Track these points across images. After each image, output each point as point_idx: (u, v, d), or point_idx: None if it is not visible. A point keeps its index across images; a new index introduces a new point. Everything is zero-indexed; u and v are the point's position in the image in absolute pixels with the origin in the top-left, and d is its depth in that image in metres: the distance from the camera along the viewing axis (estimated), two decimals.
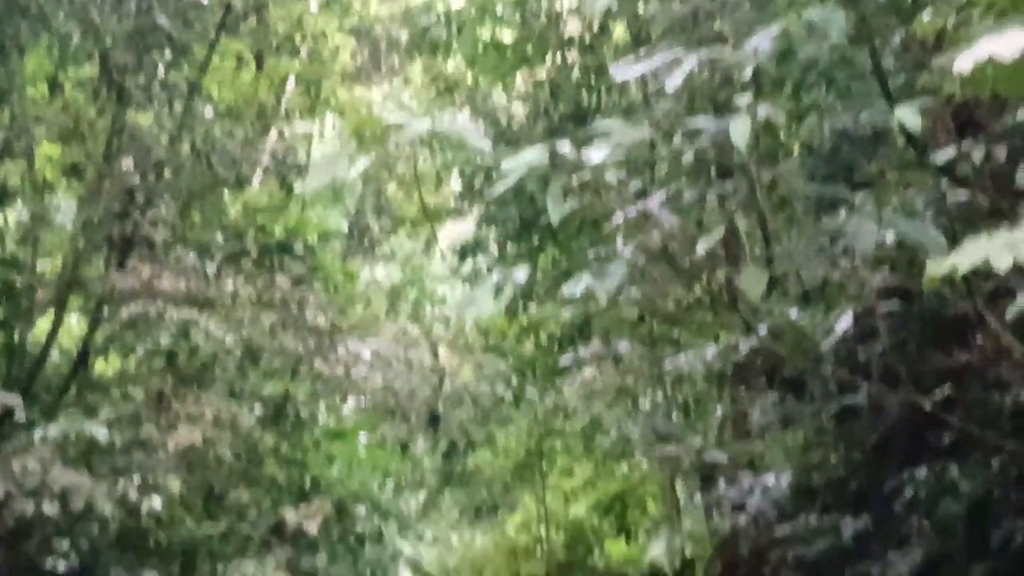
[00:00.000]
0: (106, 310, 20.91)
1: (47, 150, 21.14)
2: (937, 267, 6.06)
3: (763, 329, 10.71)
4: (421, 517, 29.97)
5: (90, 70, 21.49)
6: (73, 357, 21.41)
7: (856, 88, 8.93)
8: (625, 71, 8.94)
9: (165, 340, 20.17)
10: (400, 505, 28.61)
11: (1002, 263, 5.81)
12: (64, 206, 21.05)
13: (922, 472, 12.23)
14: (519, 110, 22.79)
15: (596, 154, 8.06)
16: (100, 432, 18.07)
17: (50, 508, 17.24)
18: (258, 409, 22.87)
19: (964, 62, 5.73)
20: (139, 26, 19.96)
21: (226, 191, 23.31)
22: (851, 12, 8.03)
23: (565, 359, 16.89)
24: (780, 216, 14.61)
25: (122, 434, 18.86)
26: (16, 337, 20.74)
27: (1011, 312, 8.63)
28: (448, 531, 29.41)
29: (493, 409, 25.81)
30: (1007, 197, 9.45)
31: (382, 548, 26.67)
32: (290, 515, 21.24)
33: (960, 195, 9.48)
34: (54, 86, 21.75)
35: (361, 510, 25.94)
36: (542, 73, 21.74)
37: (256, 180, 24.67)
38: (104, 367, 22.50)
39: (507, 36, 21.54)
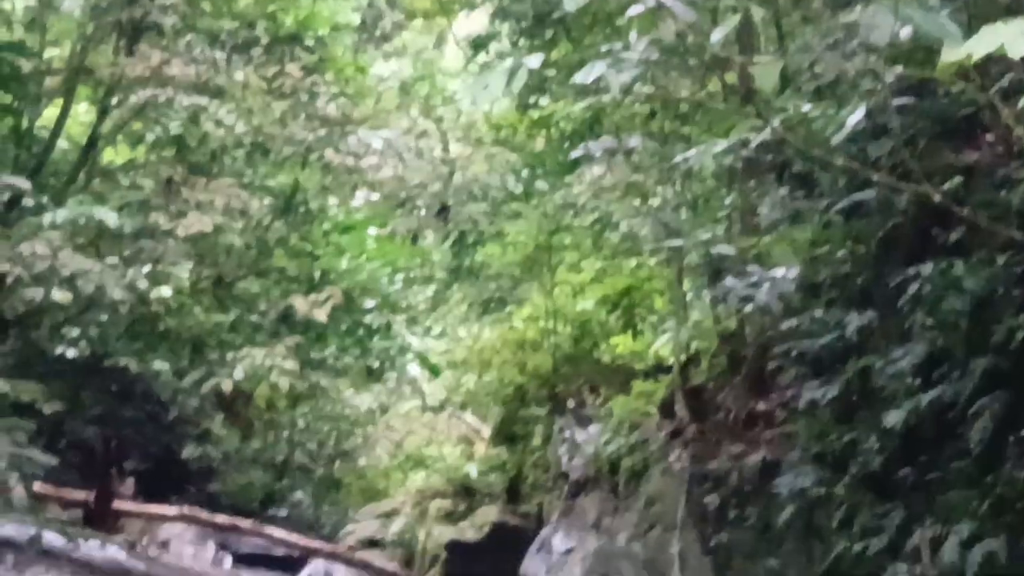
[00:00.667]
0: (115, 98, 20.82)
1: None
2: (952, 53, 6.00)
3: (775, 123, 10.65)
4: (430, 310, 30.23)
5: None
6: (82, 145, 21.38)
7: None
8: None
9: (174, 127, 20.12)
10: (409, 298, 28.82)
11: (1017, 50, 5.75)
12: None
13: (927, 268, 12.25)
14: None
15: None
16: (109, 217, 18.09)
17: (59, 294, 17.31)
18: (268, 199, 22.90)
19: None
20: None
21: None
22: None
23: (575, 153, 16.83)
24: (795, 10, 14.49)
25: (131, 221, 18.89)
26: (24, 123, 20.67)
27: None
28: (456, 324, 29.68)
29: (503, 203, 25.84)
30: None
31: (390, 340, 26.91)
32: (299, 303, 21.38)
33: None
34: None
35: (370, 302, 26.11)
36: None
37: None
38: (113, 155, 22.49)
39: None
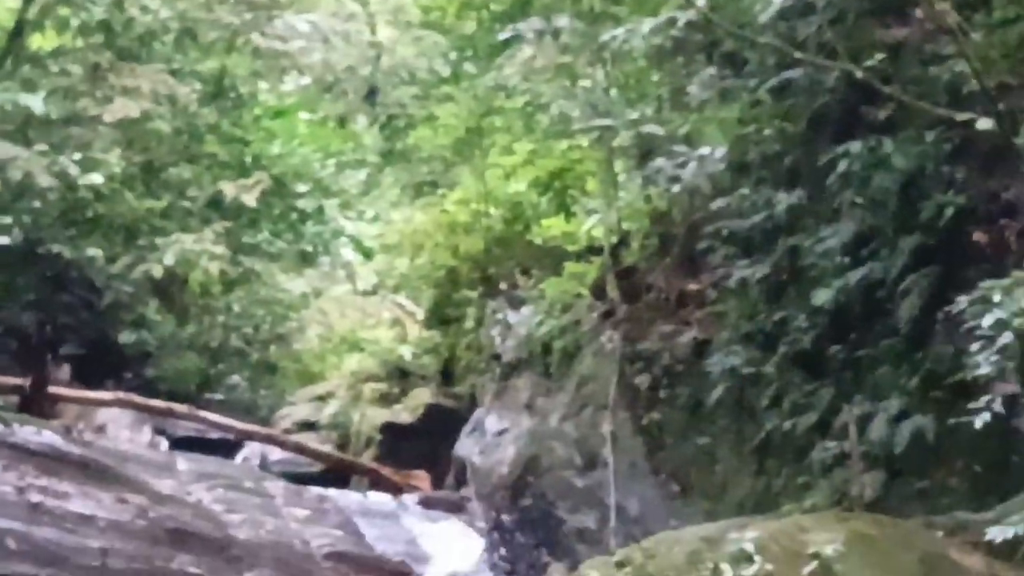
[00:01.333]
0: None
1: None
2: None
3: (701, 2, 10.63)
4: (362, 194, 30.11)
5: None
6: (8, 31, 21.02)
7: None
8: None
9: (99, 12, 19.82)
10: (341, 183, 28.68)
11: None
12: None
13: (856, 146, 12.32)
14: None
15: None
16: (36, 104, 17.87)
17: None
18: (197, 85, 22.67)
19: None
20: None
21: None
22: None
23: (505, 34, 16.75)
24: None
25: (59, 107, 18.68)
26: None
27: None
28: (389, 208, 29.60)
29: (432, 86, 25.71)
30: None
31: (323, 224, 26.83)
32: (229, 188, 21.27)
33: None
34: None
35: (302, 187, 26.00)
36: None
37: None
38: (41, 41, 22.14)
39: None
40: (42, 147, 18.54)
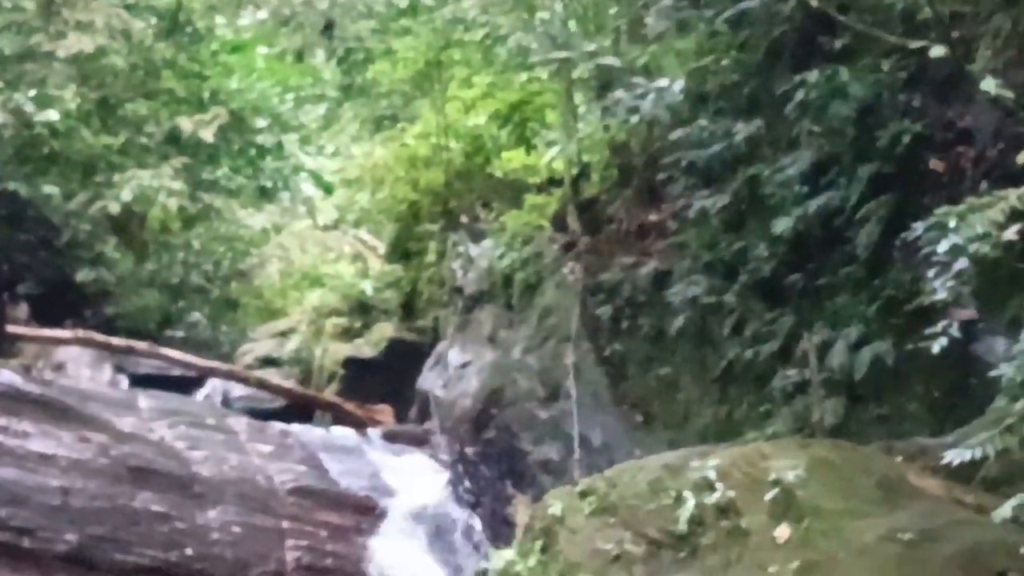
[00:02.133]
0: None
1: None
2: None
3: None
4: (322, 129, 30.00)
5: None
6: None
7: None
8: None
9: None
10: (300, 117, 28.57)
11: None
12: None
13: (813, 75, 12.31)
14: None
15: None
16: None
17: None
18: (153, 20, 22.50)
19: None
20: None
21: None
22: None
23: None
24: None
25: (12, 43, 18.50)
26: None
27: None
28: (349, 143, 29.49)
29: (390, 19, 25.55)
30: None
31: (283, 160, 26.76)
32: (186, 124, 21.15)
33: None
34: None
35: (261, 122, 25.89)
36: None
37: None
38: None
39: None
40: None
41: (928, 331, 9.30)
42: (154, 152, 22.24)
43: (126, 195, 19.81)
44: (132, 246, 25.29)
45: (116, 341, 22.08)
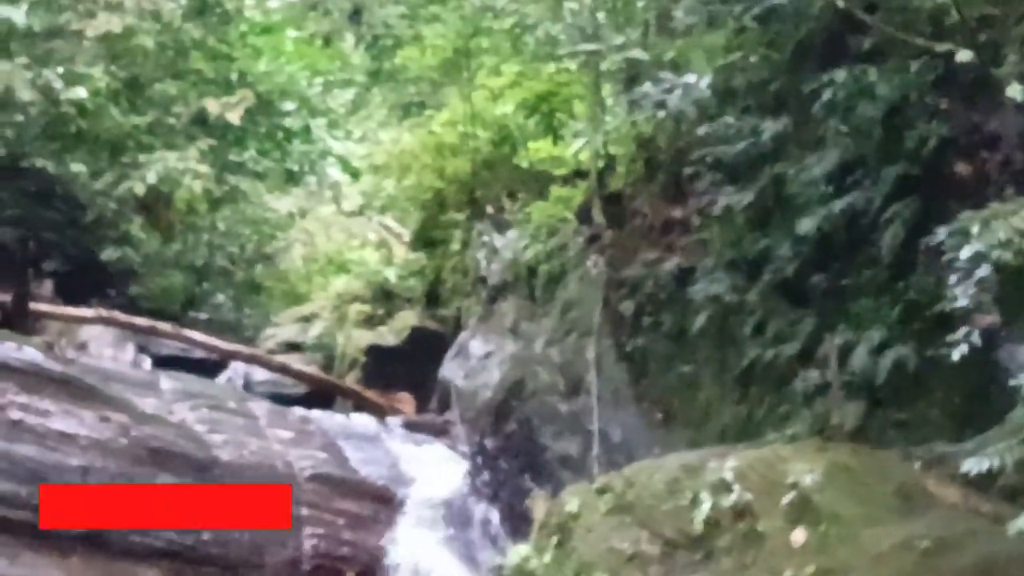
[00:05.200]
0: None
1: None
2: None
3: None
4: (349, 114, 30.00)
5: None
6: None
7: None
8: None
9: None
10: (328, 101, 28.56)
11: None
12: None
13: (841, 75, 12.23)
14: None
15: None
16: (18, 16, 17.73)
17: None
18: (182, 0, 22.51)
19: None
20: None
21: None
22: None
23: None
24: None
25: (41, 20, 18.52)
26: None
27: None
28: (377, 128, 29.49)
29: (420, 5, 25.51)
30: None
31: (310, 144, 26.76)
32: (213, 105, 21.15)
33: None
34: None
35: (289, 105, 25.89)
36: None
37: None
38: None
39: None
40: (24, 60, 18.41)
41: (949, 338, 9.25)
42: (181, 133, 22.25)
43: (152, 176, 19.83)
44: (158, 226, 25.32)
45: (139, 321, 22.15)
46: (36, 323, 21.65)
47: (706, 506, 10.01)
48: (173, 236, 25.91)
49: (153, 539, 14.81)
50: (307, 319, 25.40)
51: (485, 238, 20.96)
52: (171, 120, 22.52)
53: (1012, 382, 8.91)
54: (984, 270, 8.84)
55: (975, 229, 8.81)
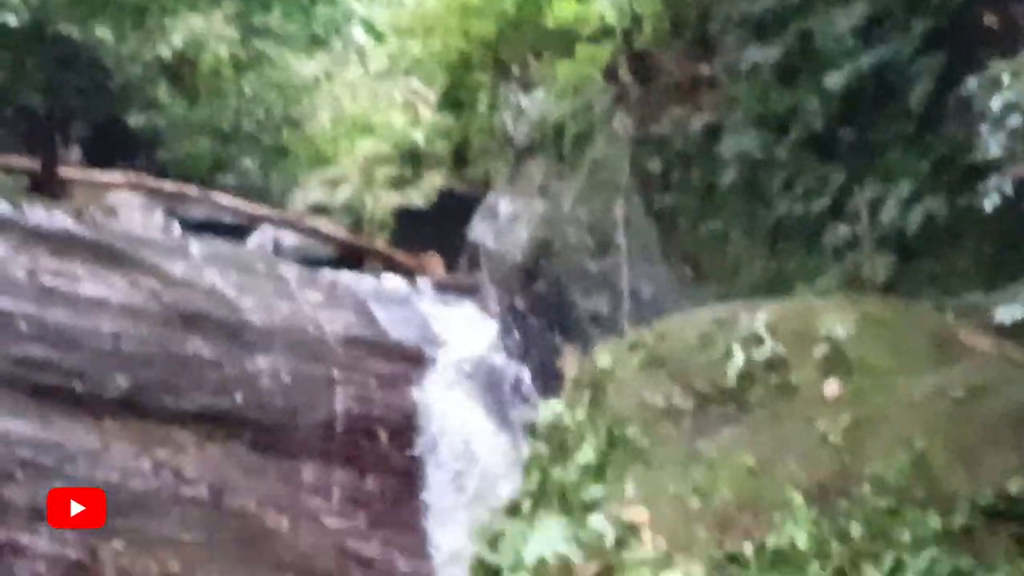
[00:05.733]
0: None
1: None
2: None
3: None
4: None
5: None
6: None
7: None
8: None
9: None
10: None
11: None
12: None
13: None
14: None
15: None
16: None
17: None
18: None
19: None
20: None
21: None
22: None
23: None
24: None
25: None
26: None
27: None
28: None
29: None
30: None
31: (335, 7, 26.54)
32: None
33: None
34: None
35: None
36: None
37: None
38: None
39: None
40: None
41: (981, 187, 9.22)
42: None
43: (178, 40, 19.75)
44: (184, 91, 25.27)
45: (168, 186, 22.19)
46: (65, 189, 21.67)
47: (739, 359, 10.03)
48: (199, 101, 25.85)
49: (187, 403, 14.95)
50: (334, 183, 25.39)
51: (511, 99, 20.86)
52: None
53: None
54: (1015, 119, 8.77)
55: (1006, 78, 8.74)
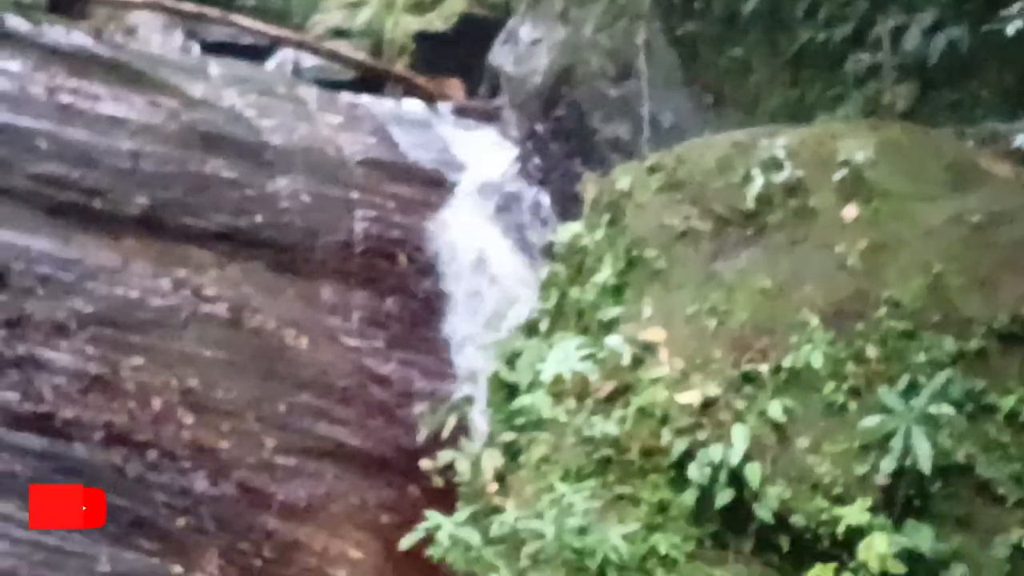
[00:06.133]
0: None
1: None
2: None
3: None
4: None
5: None
6: None
7: None
8: None
9: None
10: None
11: None
12: None
13: None
14: None
15: None
16: None
17: None
18: None
19: None
20: None
21: None
22: None
23: None
24: None
25: None
26: None
27: None
28: None
29: None
30: None
31: None
32: None
33: None
34: None
35: None
36: None
37: None
38: None
39: None
40: None
41: (1004, 12, 9.15)
42: None
43: None
44: None
45: (187, 6, 21.95)
46: (84, 9, 21.51)
47: (758, 182, 10.05)
48: None
49: (207, 222, 15.00)
50: (354, 5, 25.13)
51: None
52: None
53: None
54: None
55: None
